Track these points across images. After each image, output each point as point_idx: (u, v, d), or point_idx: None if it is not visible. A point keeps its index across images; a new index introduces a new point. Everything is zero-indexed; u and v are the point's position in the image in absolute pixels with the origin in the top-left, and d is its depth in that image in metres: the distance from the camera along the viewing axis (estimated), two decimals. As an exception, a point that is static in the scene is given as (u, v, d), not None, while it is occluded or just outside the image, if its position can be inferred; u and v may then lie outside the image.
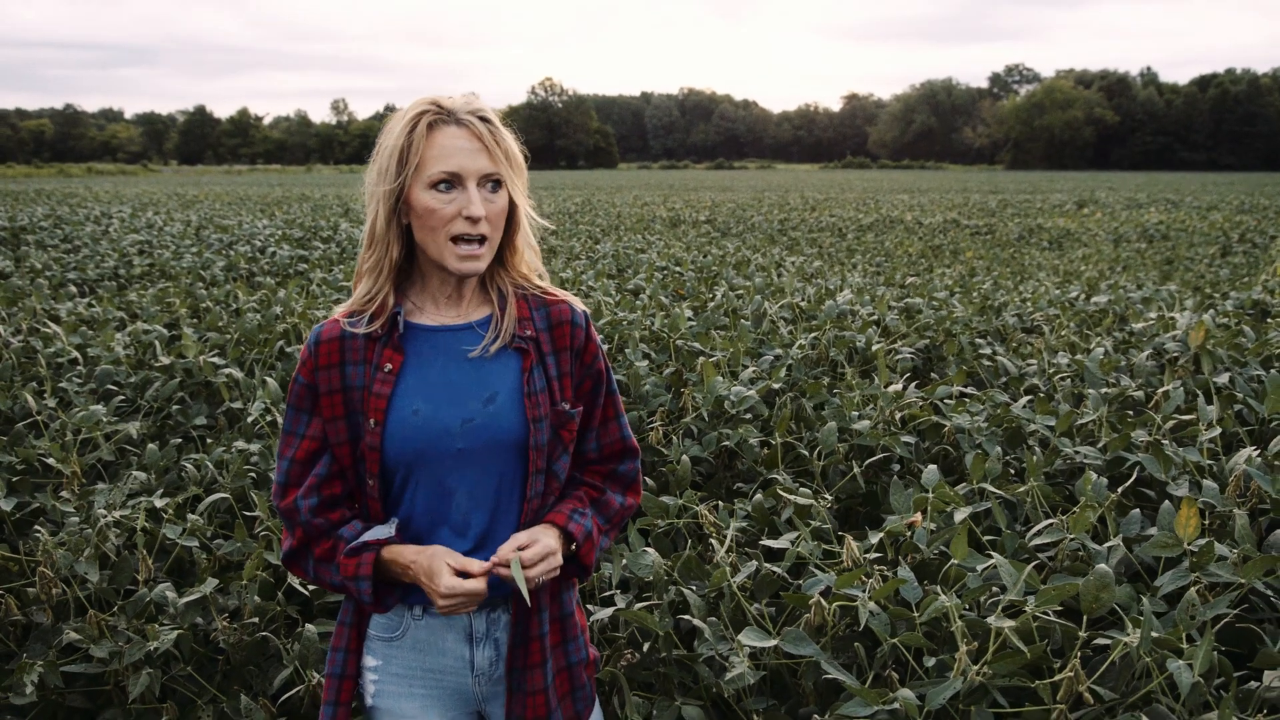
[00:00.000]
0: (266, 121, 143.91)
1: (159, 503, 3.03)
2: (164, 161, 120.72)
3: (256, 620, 2.58)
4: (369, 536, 1.60)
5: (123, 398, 4.17)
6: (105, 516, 2.88)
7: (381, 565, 1.60)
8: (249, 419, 3.72)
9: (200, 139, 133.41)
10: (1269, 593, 2.18)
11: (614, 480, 1.79)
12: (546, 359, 1.68)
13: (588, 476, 1.77)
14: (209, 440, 3.84)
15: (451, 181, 1.55)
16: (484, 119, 1.57)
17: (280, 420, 3.74)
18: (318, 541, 1.64)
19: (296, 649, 2.48)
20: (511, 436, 1.62)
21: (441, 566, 1.53)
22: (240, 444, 3.46)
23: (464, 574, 1.54)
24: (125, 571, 2.81)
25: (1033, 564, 2.26)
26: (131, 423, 3.84)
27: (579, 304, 1.74)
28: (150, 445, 3.52)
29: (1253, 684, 1.89)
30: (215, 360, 4.42)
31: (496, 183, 1.59)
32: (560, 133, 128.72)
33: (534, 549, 1.55)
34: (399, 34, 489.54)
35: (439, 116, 1.56)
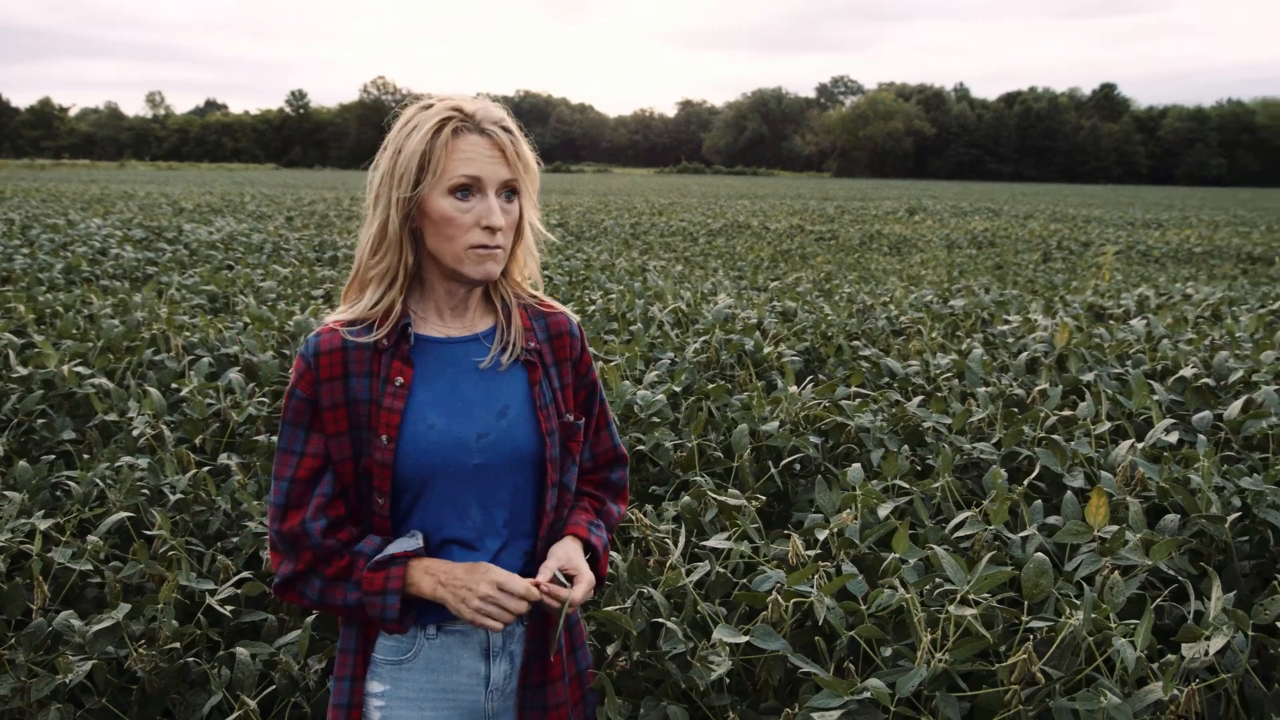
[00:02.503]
0: (73, 113, 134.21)
1: (42, 525, 2.82)
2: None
3: (177, 646, 2.44)
4: (394, 549, 1.54)
5: (-23, 412, 3.84)
6: (-10, 541, 2.66)
7: (407, 580, 1.55)
8: (134, 432, 3.50)
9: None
10: (1171, 572, 2.39)
11: (607, 488, 1.80)
12: (550, 370, 1.67)
13: (584, 486, 1.78)
14: (86, 456, 3.59)
15: (470, 188, 1.52)
16: (506, 129, 1.55)
17: (165, 433, 3.55)
18: (329, 562, 1.56)
19: (225, 674, 2.37)
20: (527, 450, 1.60)
21: (488, 568, 1.51)
22: (128, 459, 3.26)
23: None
24: (16, 600, 2.61)
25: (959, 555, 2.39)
26: (-7, 439, 3.55)
27: (573, 315, 1.75)
28: (20, 463, 3.27)
29: (1169, 657, 2.07)
30: (80, 370, 4.14)
31: (512, 191, 1.58)
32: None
33: (582, 586, 1.56)
34: (220, 24, 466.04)
35: (464, 124, 1.53)
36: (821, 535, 2.43)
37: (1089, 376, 3.89)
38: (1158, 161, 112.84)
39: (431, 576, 1.54)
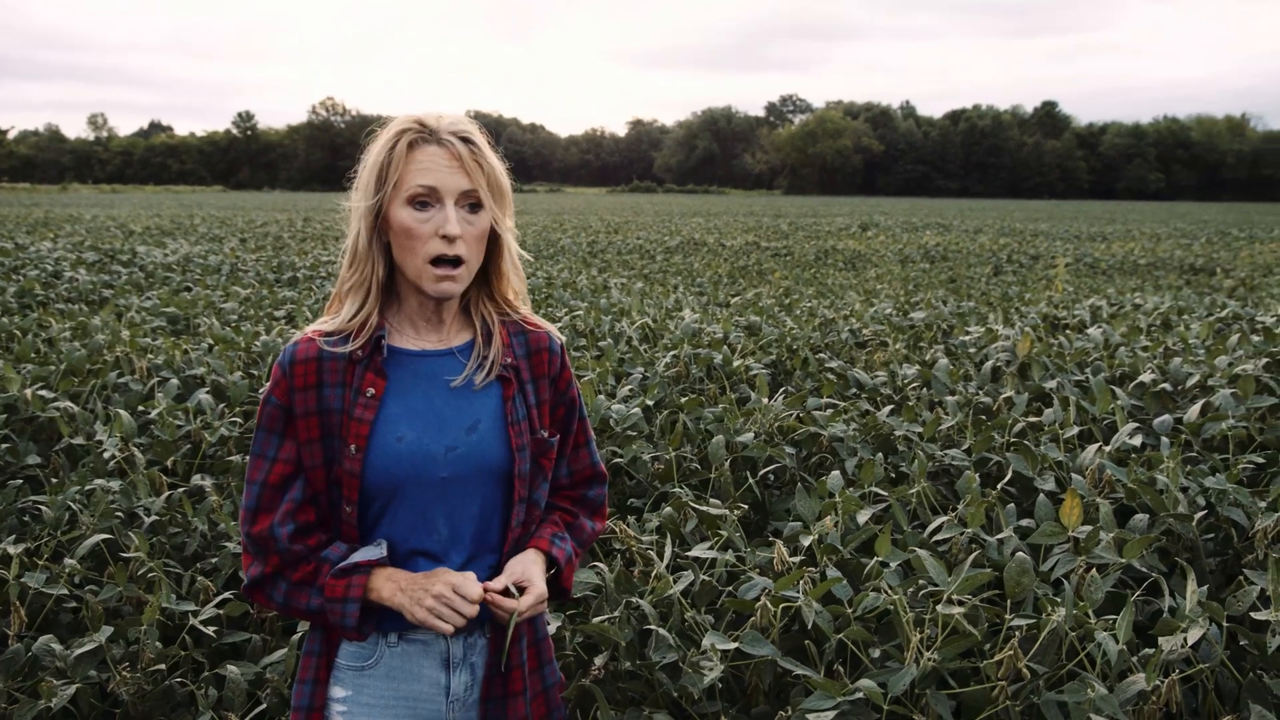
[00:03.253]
0: (11, 135, 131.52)
1: (15, 550, 2.78)
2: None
3: (162, 668, 2.41)
4: (359, 557, 1.56)
5: (-61, 438, 3.77)
6: (-36, 568, 2.61)
7: (369, 587, 1.57)
8: (104, 455, 3.45)
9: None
10: (1142, 570, 2.46)
11: (583, 505, 1.82)
12: (526, 386, 1.69)
13: (559, 501, 1.79)
14: (54, 480, 3.53)
15: (428, 199, 1.54)
16: (465, 139, 1.57)
17: (136, 455, 3.50)
18: (295, 567, 1.58)
19: (213, 695, 2.35)
20: (496, 465, 1.62)
21: (446, 571, 1.54)
22: (100, 482, 3.22)
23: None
24: (-9, 626, 2.56)
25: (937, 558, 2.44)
26: (-43, 465, 3.48)
27: (556, 332, 1.77)
28: (-11, 488, 3.21)
29: (1145, 650, 2.13)
30: (43, 394, 4.07)
31: (475, 203, 1.58)
32: (343, 153, 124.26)
33: (530, 597, 1.57)
34: (164, 45, 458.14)
35: (420, 135, 1.56)
36: (806, 541, 2.47)
37: (1051, 384, 3.99)
38: (1099, 176, 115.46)
39: (393, 583, 1.56)
